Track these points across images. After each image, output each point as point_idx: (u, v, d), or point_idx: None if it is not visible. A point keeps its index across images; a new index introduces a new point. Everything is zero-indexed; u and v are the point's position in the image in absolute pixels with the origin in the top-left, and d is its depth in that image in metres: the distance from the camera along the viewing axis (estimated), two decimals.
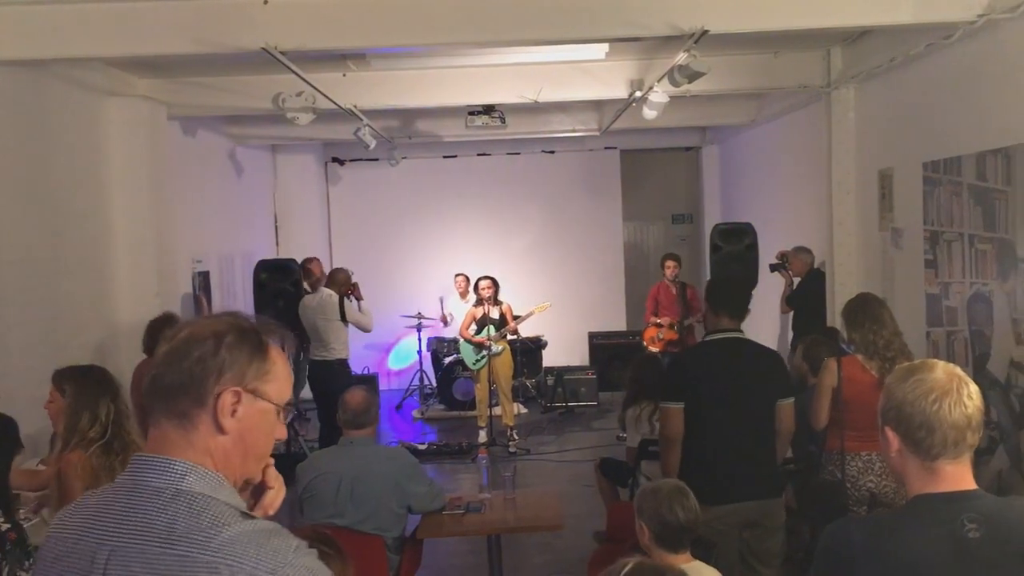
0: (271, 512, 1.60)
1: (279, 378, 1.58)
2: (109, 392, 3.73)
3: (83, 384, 3.75)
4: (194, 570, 1.37)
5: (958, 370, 1.99)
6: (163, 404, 1.50)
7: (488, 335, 8.99)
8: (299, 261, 8.84)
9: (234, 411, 1.51)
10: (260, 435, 1.56)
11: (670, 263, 9.53)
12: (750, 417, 4.15)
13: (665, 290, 9.58)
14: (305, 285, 8.77)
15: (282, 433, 1.61)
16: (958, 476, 1.95)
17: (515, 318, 9.27)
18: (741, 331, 4.33)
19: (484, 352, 9.04)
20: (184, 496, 1.44)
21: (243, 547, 1.39)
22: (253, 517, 1.47)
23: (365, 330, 8.54)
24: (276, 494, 1.62)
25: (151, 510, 1.43)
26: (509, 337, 9.40)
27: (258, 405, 1.54)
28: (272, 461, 1.64)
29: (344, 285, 8.33)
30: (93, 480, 3.59)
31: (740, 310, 4.33)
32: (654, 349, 9.30)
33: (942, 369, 1.98)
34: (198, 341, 1.50)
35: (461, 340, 9.41)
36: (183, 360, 1.49)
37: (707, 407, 4.14)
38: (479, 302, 9.20)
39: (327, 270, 9.14)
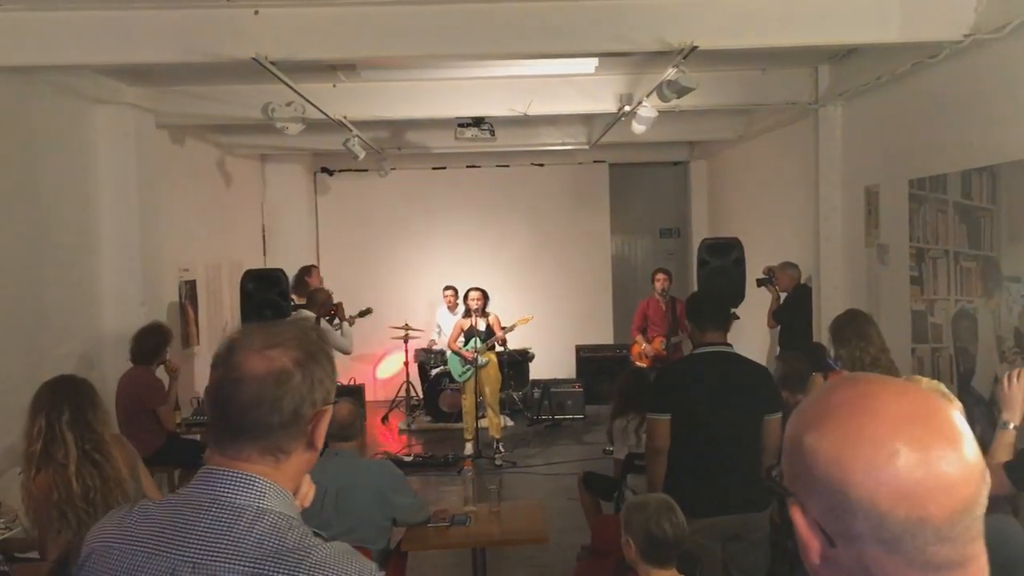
0: (306, 505, 1.58)
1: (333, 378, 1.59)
2: (46, 407, 3.71)
3: (35, 396, 3.76)
4: None
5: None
6: (259, 443, 1.47)
7: (474, 347, 8.98)
8: (286, 271, 8.79)
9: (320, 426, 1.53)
10: (322, 438, 1.56)
11: (660, 276, 9.55)
12: (735, 431, 4.16)
13: (655, 305, 9.59)
14: (294, 297, 8.72)
15: None
16: None
17: (501, 329, 9.28)
18: (729, 344, 4.34)
19: (469, 364, 9.03)
20: (267, 515, 1.42)
21: (336, 569, 1.38)
22: (323, 536, 1.45)
23: (344, 353, 8.45)
24: (308, 488, 1.60)
25: (237, 528, 1.40)
26: (497, 349, 9.39)
27: (327, 410, 1.56)
28: None
29: (323, 307, 8.24)
30: (63, 497, 3.58)
31: (723, 322, 4.36)
32: (641, 364, 9.31)
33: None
34: (286, 375, 1.47)
35: (449, 352, 9.39)
36: (280, 400, 1.47)
37: (693, 420, 4.14)
38: (467, 313, 9.19)
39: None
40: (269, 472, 1.47)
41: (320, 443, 1.54)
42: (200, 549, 1.40)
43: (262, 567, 1.36)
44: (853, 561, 0.98)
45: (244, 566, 1.37)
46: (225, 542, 1.39)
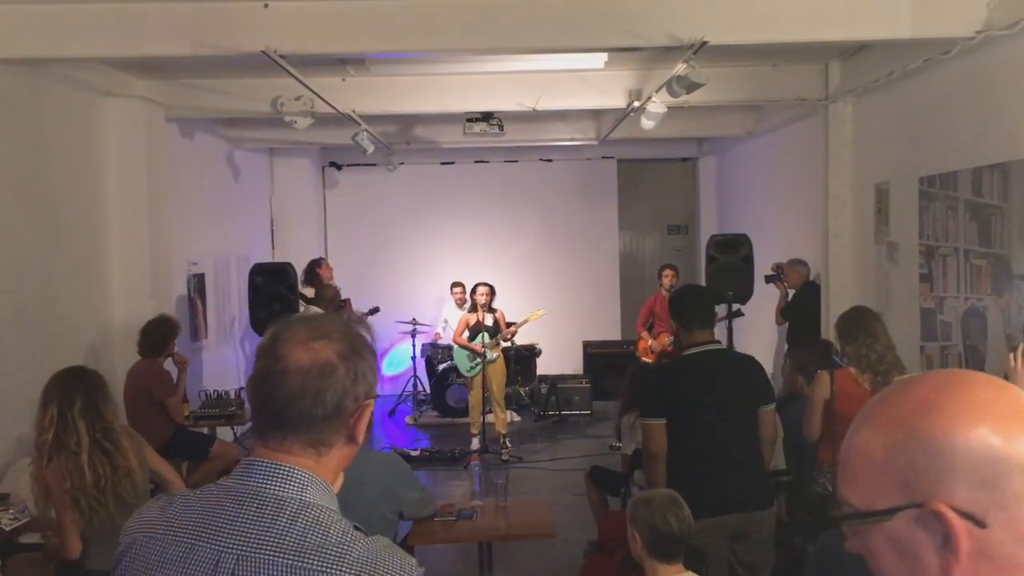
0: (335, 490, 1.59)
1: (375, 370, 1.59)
2: (58, 396, 3.74)
3: (45, 387, 3.79)
4: None
5: None
6: (302, 435, 1.47)
7: (483, 342, 8.99)
8: (295, 265, 8.80)
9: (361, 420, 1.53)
10: (363, 432, 1.56)
11: (668, 273, 9.54)
12: (735, 428, 4.14)
13: (661, 301, 9.57)
14: (305, 291, 8.74)
15: None
16: None
17: (508, 325, 9.28)
18: (718, 341, 4.32)
19: (479, 359, 9.04)
20: (310, 508, 1.42)
21: (379, 564, 1.38)
22: (363, 531, 1.46)
23: None
24: (339, 481, 1.60)
25: (280, 520, 1.40)
26: (503, 344, 9.40)
27: (369, 404, 1.56)
28: None
29: (332, 303, 8.24)
30: (76, 485, 3.61)
31: (709, 319, 4.32)
32: (647, 360, 9.31)
33: None
34: (330, 368, 1.48)
35: (455, 347, 9.40)
36: (324, 393, 1.46)
37: (691, 422, 4.11)
38: (473, 308, 9.19)
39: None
40: (311, 465, 1.48)
41: (360, 437, 1.53)
42: (244, 540, 1.40)
43: (306, 561, 1.36)
44: (1013, 532, 0.94)
45: (288, 559, 1.37)
46: (269, 534, 1.39)
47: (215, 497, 1.47)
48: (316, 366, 1.47)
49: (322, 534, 1.39)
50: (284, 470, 1.45)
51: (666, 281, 9.49)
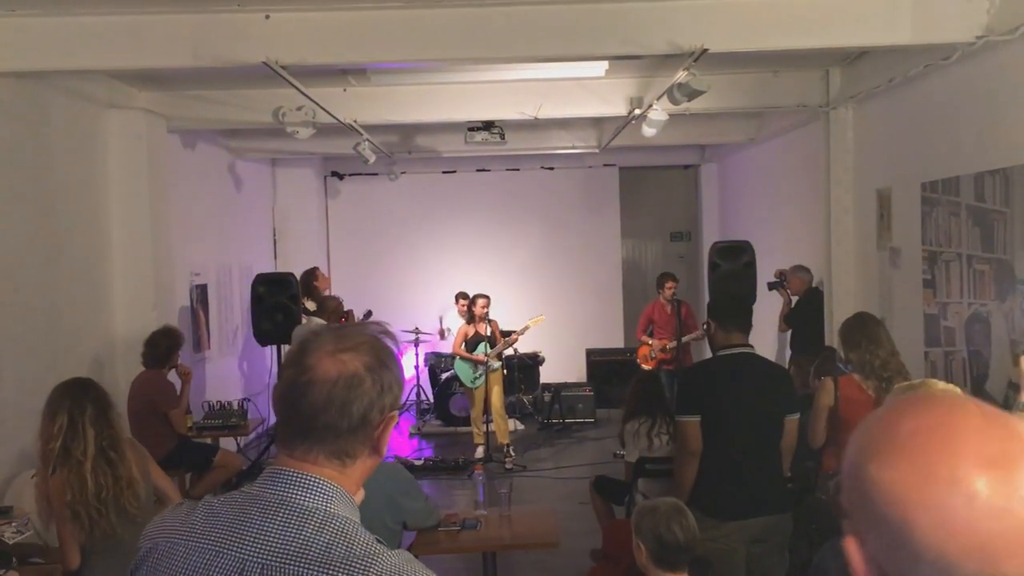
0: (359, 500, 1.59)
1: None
2: (68, 403, 3.74)
3: (50, 397, 3.79)
4: None
5: (957, 390, 1.99)
6: (327, 446, 1.48)
7: (485, 352, 8.99)
8: (297, 275, 8.80)
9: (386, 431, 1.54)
10: (386, 443, 1.56)
11: (669, 284, 9.54)
12: (761, 433, 4.16)
13: (660, 309, 9.59)
14: (306, 303, 8.73)
15: None
16: None
17: (504, 334, 9.27)
18: (751, 346, 4.33)
19: (482, 369, 9.03)
20: (335, 520, 1.43)
21: None
22: (384, 543, 1.46)
23: None
24: (361, 495, 1.60)
25: (305, 530, 1.40)
26: (506, 353, 9.39)
27: (393, 416, 1.56)
28: None
29: (335, 314, 8.24)
30: (77, 497, 3.61)
31: (746, 324, 4.36)
32: (647, 367, 9.31)
33: (942, 389, 1.98)
34: (357, 379, 1.48)
35: (457, 359, 9.40)
36: (350, 404, 1.47)
37: (719, 421, 4.14)
38: (471, 319, 9.20)
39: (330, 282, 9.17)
40: (335, 476, 1.48)
41: (384, 449, 1.54)
42: (269, 550, 1.40)
43: (331, 572, 1.36)
44: None
45: (313, 570, 1.37)
46: (295, 545, 1.39)
47: (240, 505, 1.47)
48: (343, 377, 1.47)
49: (347, 546, 1.39)
50: (310, 480, 1.45)
51: (667, 291, 9.48)
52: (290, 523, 1.41)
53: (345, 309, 8.48)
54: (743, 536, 4.03)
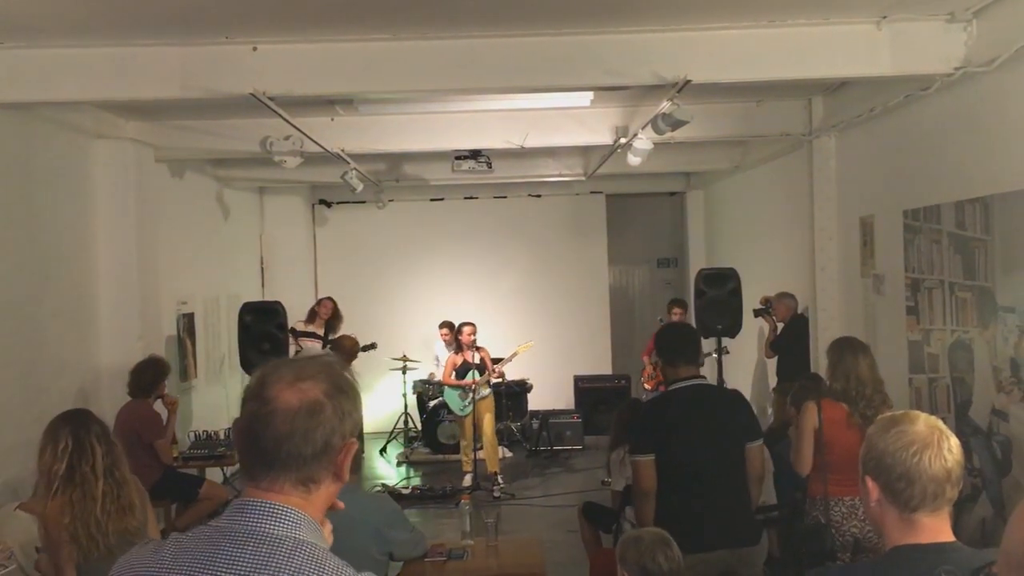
0: (330, 542, 1.61)
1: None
2: (70, 425, 3.73)
3: (49, 427, 3.79)
4: None
5: (940, 423, 2.01)
6: (292, 474, 1.51)
7: (474, 378, 8.99)
8: (284, 303, 8.78)
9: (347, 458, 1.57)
10: (347, 469, 1.59)
11: (677, 311, 9.62)
12: (721, 463, 4.14)
13: None
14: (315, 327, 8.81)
15: None
16: (936, 528, 1.96)
17: (494, 361, 9.27)
18: (703, 377, 4.34)
19: (471, 396, 9.02)
20: (304, 546, 1.46)
21: None
22: (351, 568, 1.49)
23: None
24: (329, 528, 1.63)
25: (275, 558, 1.43)
26: (494, 380, 9.39)
27: (354, 442, 1.59)
28: None
29: (351, 354, 8.23)
30: (78, 518, 3.59)
31: (694, 356, 4.35)
32: (648, 387, 9.43)
33: (924, 422, 2.00)
34: (318, 407, 1.52)
35: (446, 388, 9.38)
36: (313, 431, 1.51)
37: (676, 457, 4.10)
38: (459, 348, 9.20)
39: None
40: (301, 503, 1.52)
41: (346, 475, 1.57)
42: None
43: None
44: None
45: None
46: (267, 571, 1.42)
47: (209, 538, 1.49)
48: (304, 405, 1.51)
49: (318, 570, 1.42)
50: (277, 509, 1.48)
51: (674, 317, 9.55)
52: (260, 552, 1.43)
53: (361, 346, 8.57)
54: (709, 570, 4.00)
